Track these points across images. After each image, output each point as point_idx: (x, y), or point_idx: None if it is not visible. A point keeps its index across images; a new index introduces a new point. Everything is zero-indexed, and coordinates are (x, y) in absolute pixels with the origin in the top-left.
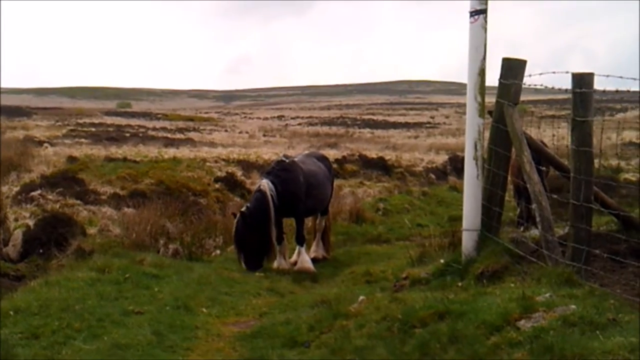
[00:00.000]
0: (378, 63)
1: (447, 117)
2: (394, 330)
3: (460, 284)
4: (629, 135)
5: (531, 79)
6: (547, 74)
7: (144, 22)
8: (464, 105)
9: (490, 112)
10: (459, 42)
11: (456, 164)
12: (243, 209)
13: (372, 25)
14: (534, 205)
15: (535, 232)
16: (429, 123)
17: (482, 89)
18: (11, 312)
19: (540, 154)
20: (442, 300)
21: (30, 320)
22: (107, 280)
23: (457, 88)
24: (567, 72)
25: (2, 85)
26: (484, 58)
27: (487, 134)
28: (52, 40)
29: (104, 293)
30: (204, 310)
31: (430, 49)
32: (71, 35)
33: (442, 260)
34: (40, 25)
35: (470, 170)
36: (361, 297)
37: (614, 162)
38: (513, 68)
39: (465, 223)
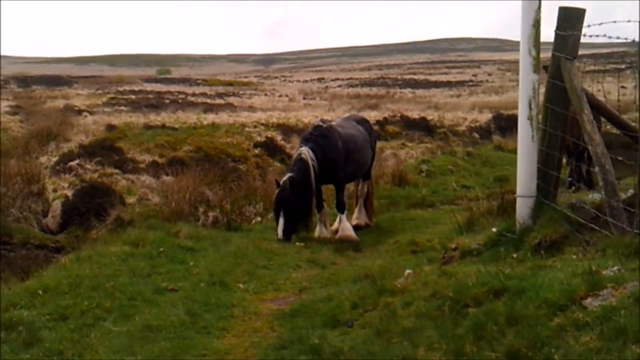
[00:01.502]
0: (418, 21)
1: (489, 74)
2: (444, 309)
3: (515, 255)
4: None
5: (590, 29)
6: (607, 23)
7: None
8: (507, 62)
9: (545, 68)
10: None
11: (500, 123)
12: (287, 176)
13: None
14: (596, 169)
15: (595, 196)
16: (471, 81)
17: (537, 41)
18: (40, 292)
19: (601, 112)
20: (498, 275)
21: (60, 300)
22: (140, 254)
23: (500, 45)
24: (629, 21)
25: (43, 55)
26: (539, 8)
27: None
28: (92, 10)
29: (136, 269)
30: (241, 285)
31: (471, 5)
32: (110, 4)
33: (494, 229)
34: None
35: (525, 130)
36: (407, 271)
37: None
38: (571, 18)
39: (519, 189)
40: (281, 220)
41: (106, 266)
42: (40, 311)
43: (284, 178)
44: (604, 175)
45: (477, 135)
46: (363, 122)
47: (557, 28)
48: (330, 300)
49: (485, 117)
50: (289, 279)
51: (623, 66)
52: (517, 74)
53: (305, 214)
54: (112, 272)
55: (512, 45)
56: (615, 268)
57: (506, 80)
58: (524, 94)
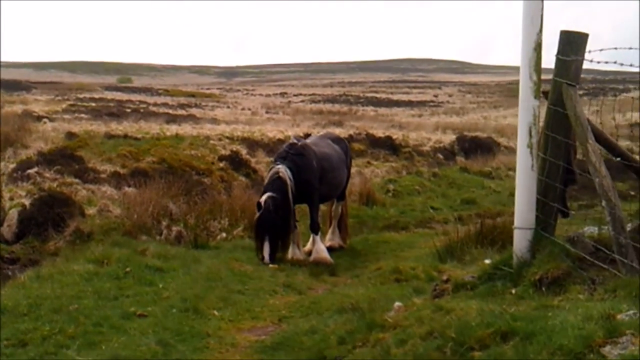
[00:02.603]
0: (380, 40)
1: (450, 95)
2: (446, 351)
3: (513, 291)
4: (634, 116)
5: (592, 54)
6: (608, 49)
7: None
8: (467, 84)
9: (544, 93)
10: (463, 20)
11: (464, 144)
12: (265, 197)
13: (374, 2)
14: (603, 203)
15: (591, 229)
16: (432, 102)
17: (537, 66)
18: None
19: (600, 141)
20: (502, 315)
21: (18, 323)
22: (105, 274)
23: (460, 67)
24: (630, 48)
25: (1, 60)
26: (541, 30)
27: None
28: (52, 14)
29: (102, 290)
30: (215, 313)
31: (433, 27)
32: (71, 9)
33: (487, 261)
34: None
35: (524, 159)
36: (397, 304)
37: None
38: (573, 42)
39: (517, 220)
40: (267, 244)
41: (69, 286)
42: None
43: (264, 197)
44: (612, 210)
45: (441, 156)
46: (339, 140)
47: (559, 52)
48: (315, 332)
49: (448, 138)
50: (267, 306)
51: (581, 92)
52: (477, 96)
53: (283, 234)
54: (76, 293)
55: (472, 68)
56: (631, 312)
57: (467, 102)
58: (524, 120)
